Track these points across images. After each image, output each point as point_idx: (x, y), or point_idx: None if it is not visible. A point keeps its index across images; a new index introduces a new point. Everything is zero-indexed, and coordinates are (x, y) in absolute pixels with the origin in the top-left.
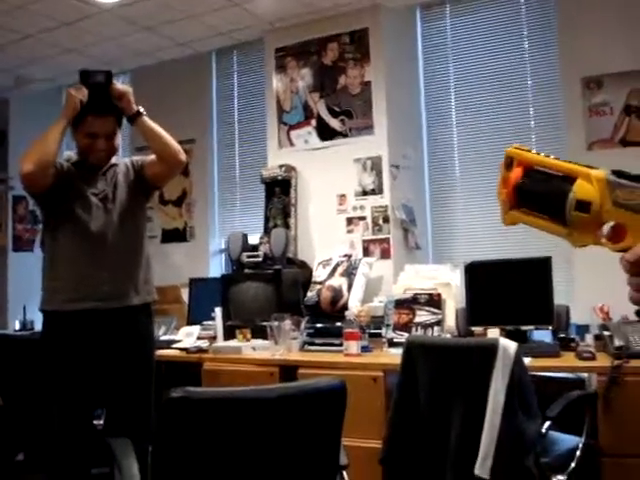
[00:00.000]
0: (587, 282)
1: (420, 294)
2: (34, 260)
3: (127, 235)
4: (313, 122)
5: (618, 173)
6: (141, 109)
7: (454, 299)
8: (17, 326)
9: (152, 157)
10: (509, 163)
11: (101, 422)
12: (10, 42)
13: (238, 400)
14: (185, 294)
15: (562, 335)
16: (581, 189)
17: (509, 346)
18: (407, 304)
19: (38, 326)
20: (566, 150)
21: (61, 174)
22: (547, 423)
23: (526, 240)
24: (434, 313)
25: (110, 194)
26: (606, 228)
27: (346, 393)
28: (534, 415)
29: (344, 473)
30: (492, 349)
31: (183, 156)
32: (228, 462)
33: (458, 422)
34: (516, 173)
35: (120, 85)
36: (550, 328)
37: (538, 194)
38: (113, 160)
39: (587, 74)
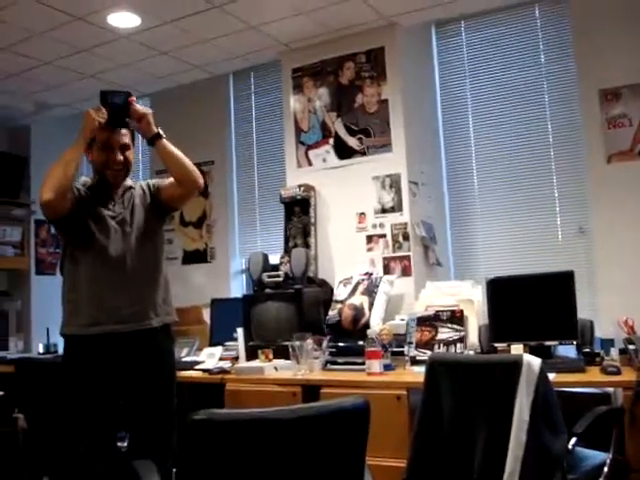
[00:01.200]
0: (611, 296)
1: (442, 311)
2: (57, 283)
3: (145, 258)
4: (331, 141)
5: None
6: (160, 131)
7: (476, 315)
8: (41, 349)
9: (169, 180)
10: None
11: (125, 444)
12: (29, 69)
13: (261, 421)
14: (207, 315)
15: (587, 350)
16: None
17: (533, 362)
18: (429, 321)
19: (61, 349)
20: (585, 163)
21: (78, 199)
22: (574, 439)
23: (547, 255)
24: (456, 330)
25: (128, 217)
26: None
27: (369, 412)
28: (560, 431)
29: None
30: (516, 365)
31: (201, 180)
32: None
33: (483, 440)
34: None
35: (140, 106)
36: (574, 343)
37: None
38: (129, 182)
39: (604, 86)
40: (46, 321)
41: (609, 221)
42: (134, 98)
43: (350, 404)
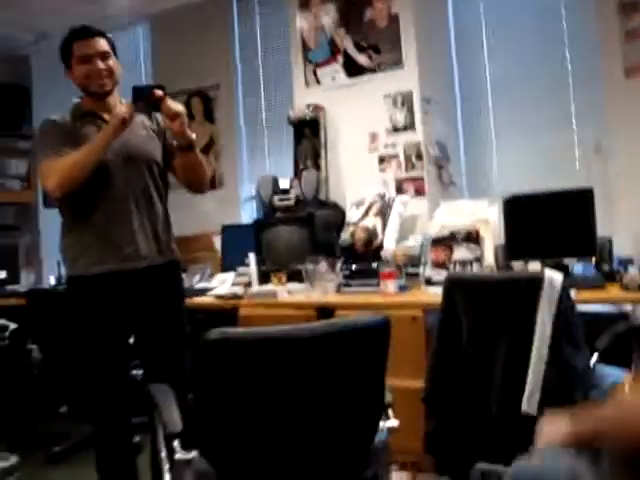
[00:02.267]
0: (629, 213)
1: (457, 231)
2: None
3: (148, 192)
4: (340, 59)
5: None
6: (194, 136)
7: (492, 235)
8: (52, 281)
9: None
10: None
11: (140, 372)
12: None
13: (278, 340)
14: (218, 242)
15: (605, 268)
16: None
17: (555, 277)
18: (444, 242)
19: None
20: (602, 79)
21: (72, 132)
22: (595, 356)
23: (563, 173)
24: (472, 250)
25: (127, 142)
26: None
27: (390, 329)
28: (582, 348)
29: (389, 411)
30: (537, 281)
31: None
32: (270, 404)
33: (502, 358)
34: None
35: (174, 103)
36: (593, 260)
37: None
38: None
39: None
40: (56, 254)
41: (627, 138)
42: (161, 93)
43: (370, 321)
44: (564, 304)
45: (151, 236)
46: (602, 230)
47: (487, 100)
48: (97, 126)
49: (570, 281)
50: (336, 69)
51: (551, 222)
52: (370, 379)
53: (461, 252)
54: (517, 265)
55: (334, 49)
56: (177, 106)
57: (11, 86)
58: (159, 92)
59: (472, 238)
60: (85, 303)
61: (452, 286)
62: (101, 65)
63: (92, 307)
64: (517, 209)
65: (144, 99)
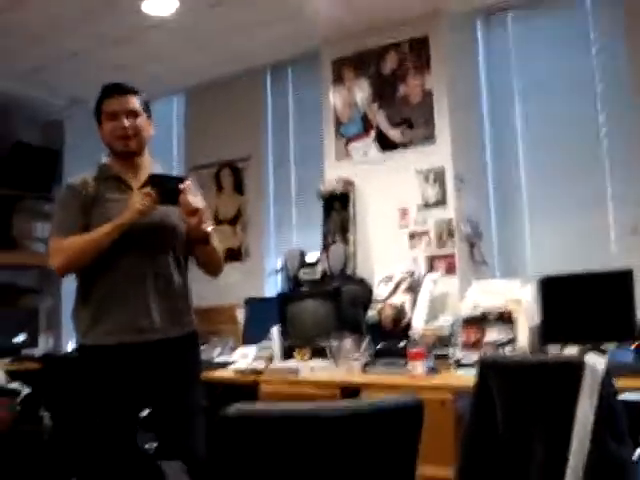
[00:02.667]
0: None
1: (489, 311)
2: None
3: (170, 261)
4: (372, 133)
5: None
6: (210, 229)
7: (526, 316)
8: (70, 347)
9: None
10: None
11: (153, 446)
12: (61, 61)
13: (303, 418)
14: (241, 314)
15: None
16: None
17: (597, 362)
18: (475, 322)
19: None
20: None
21: (92, 198)
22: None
23: (598, 254)
24: (505, 331)
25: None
26: None
27: (422, 411)
28: (625, 442)
29: None
30: (578, 366)
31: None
32: None
33: (540, 449)
34: None
35: (195, 198)
36: (633, 346)
37: None
38: (158, 169)
39: None
40: None
41: None
42: (188, 184)
43: (402, 401)
44: (607, 392)
45: (168, 308)
46: None
47: (520, 178)
48: (120, 191)
49: (609, 367)
50: (368, 144)
51: (589, 304)
52: (400, 465)
53: (493, 333)
54: (552, 349)
55: (367, 124)
56: (197, 202)
57: (42, 149)
58: (183, 185)
59: (505, 319)
60: (96, 373)
61: (486, 369)
62: (126, 123)
63: (104, 378)
64: (553, 290)
65: (167, 191)
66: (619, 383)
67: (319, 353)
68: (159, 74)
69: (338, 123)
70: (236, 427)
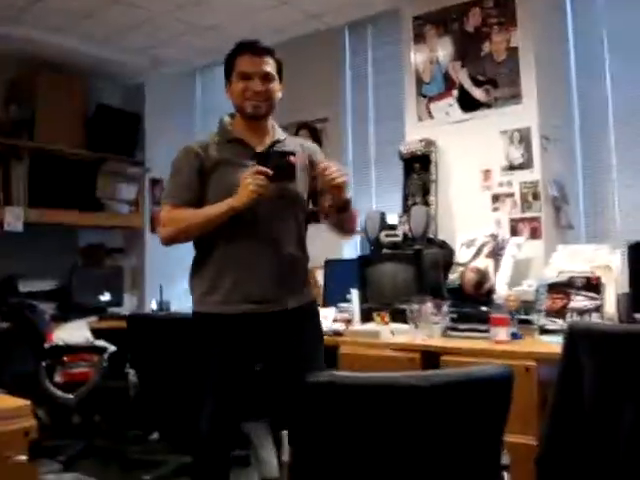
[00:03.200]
0: None
1: (576, 277)
2: None
3: (290, 231)
4: (455, 93)
5: None
6: (350, 196)
7: (615, 283)
8: (154, 306)
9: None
10: None
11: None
12: (144, 21)
13: (390, 387)
14: (320, 276)
15: None
16: None
17: None
18: (561, 288)
19: (175, 307)
20: None
21: (211, 164)
22: None
23: None
24: (592, 298)
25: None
26: None
27: (513, 383)
28: None
29: (505, 475)
30: None
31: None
32: (377, 457)
33: (630, 422)
34: None
35: (338, 172)
36: None
37: None
38: (279, 133)
39: None
40: (160, 278)
41: None
42: (301, 155)
43: (495, 372)
44: None
45: (287, 279)
46: None
47: (610, 138)
48: (243, 155)
49: None
50: (450, 103)
51: None
52: (488, 437)
53: (579, 300)
54: None
55: (449, 83)
56: (340, 176)
57: (125, 113)
58: (295, 159)
59: (592, 286)
60: (211, 342)
61: (575, 337)
62: (260, 86)
63: (218, 346)
64: None
65: (280, 167)
66: None
67: (399, 316)
68: (242, 34)
69: (419, 82)
70: (325, 394)
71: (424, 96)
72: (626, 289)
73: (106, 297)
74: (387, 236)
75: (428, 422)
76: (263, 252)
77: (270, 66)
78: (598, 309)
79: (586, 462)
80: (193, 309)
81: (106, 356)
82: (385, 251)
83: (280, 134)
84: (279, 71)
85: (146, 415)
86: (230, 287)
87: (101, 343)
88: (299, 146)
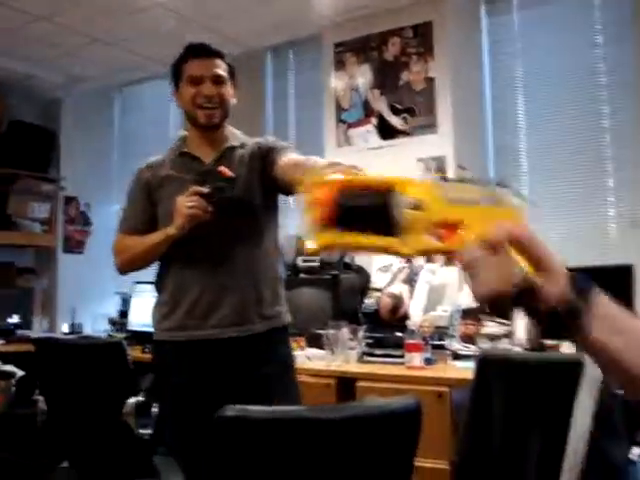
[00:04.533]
0: None
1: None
2: (84, 261)
3: (247, 245)
4: (373, 120)
5: (443, 178)
6: None
7: None
8: (65, 329)
9: (292, 157)
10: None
11: (148, 432)
12: (62, 38)
13: (299, 420)
14: None
15: None
16: (411, 191)
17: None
18: (474, 314)
19: (88, 330)
20: None
21: (162, 180)
22: (636, 449)
23: (599, 249)
24: (503, 324)
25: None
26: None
27: (421, 414)
28: (621, 440)
29: None
30: (578, 365)
31: None
32: None
33: (536, 446)
34: (328, 193)
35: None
36: None
37: (359, 208)
38: (236, 139)
39: None
40: (72, 300)
41: None
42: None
43: (402, 405)
44: (606, 391)
45: (243, 300)
46: None
47: (522, 171)
48: (191, 169)
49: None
50: (369, 130)
51: None
52: (396, 468)
53: (491, 326)
54: (550, 344)
55: (368, 110)
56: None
57: (39, 129)
58: (226, 171)
59: (510, 315)
60: (167, 370)
61: (486, 363)
62: (212, 91)
63: (174, 375)
64: None
65: (218, 189)
66: None
67: (315, 341)
68: (155, 54)
69: (339, 109)
70: (233, 429)
71: (343, 122)
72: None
73: (14, 319)
74: (305, 261)
75: (336, 454)
76: (217, 273)
77: (221, 69)
78: (508, 335)
79: None
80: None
81: (14, 381)
82: (302, 276)
83: (237, 140)
84: (231, 76)
85: (55, 443)
86: (181, 313)
87: (8, 368)
88: (256, 144)
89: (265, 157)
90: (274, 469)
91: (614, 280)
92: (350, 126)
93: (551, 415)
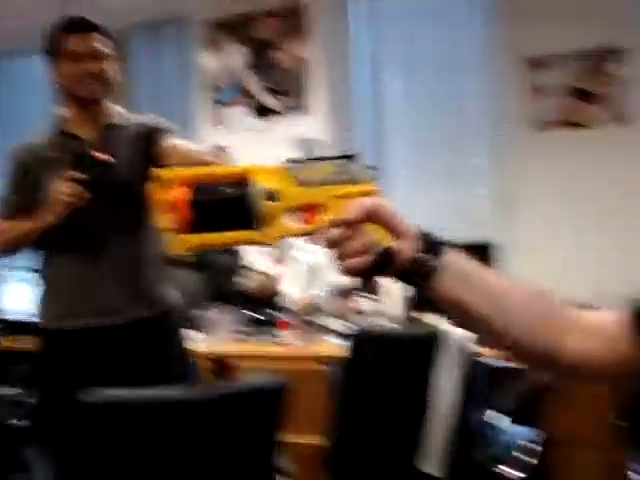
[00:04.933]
0: (531, 265)
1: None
2: None
3: (129, 229)
4: (247, 100)
5: (293, 161)
6: None
7: (397, 286)
8: None
9: (174, 142)
10: (167, 185)
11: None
12: None
13: (161, 403)
14: None
15: None
16: (262, 180)
17: (457, 333)
18: (349, 292)
19: None
20: (512, 133)
21: (44, 164)
22: (495, 413)
23: (469, 225)
24: (377, 301)
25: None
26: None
27: (286, 394)
28: (482, 406)
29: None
30: (440, 337)
31: None
32: (148, 470)
33: (407, 416)
34: (183, 192)
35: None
36: None
37: (216, 205)
38: (118, 117)
39: (533, 54)
40: None
41: (533, 190)
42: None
43: (263, 385)
44: (466, 360)
45: (133, 282)
46: None
47: (391, 150)
48: (70, 149)
49: (474, 335)
50: (243, 111)
51: None
52: (259, 446)
53: (365, 303)
54: (420, 316)
55: (242, 90)
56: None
57: None
58: (102, 155)
59: (376, 289)
60: (54, 361)
61: (360, 339)
62: (93, 67)
63: (66, 364)
64: None
65: (97, 174)
66: (485, 350)
67: (190, 324)
68: (23, 29)
69: (214, 88)
70: (94, 412)
71: (218, 102)
72: (407, 291)
73: None
74: None
75: (197, 434)
76: (98, 260)
77: (102, 43)
78: (383, 311)
79: (372, 454)
80: (38, 323)
81: None
82: (173, 257)
83: (120, 118)
84: (115, 49)
85: None
86: (67, 297)
87: None
88: (141, 126)
89: (149, 138)
90: (135, 451)
91: (476, 255)
92: (224, 106)
93: (420, 385)
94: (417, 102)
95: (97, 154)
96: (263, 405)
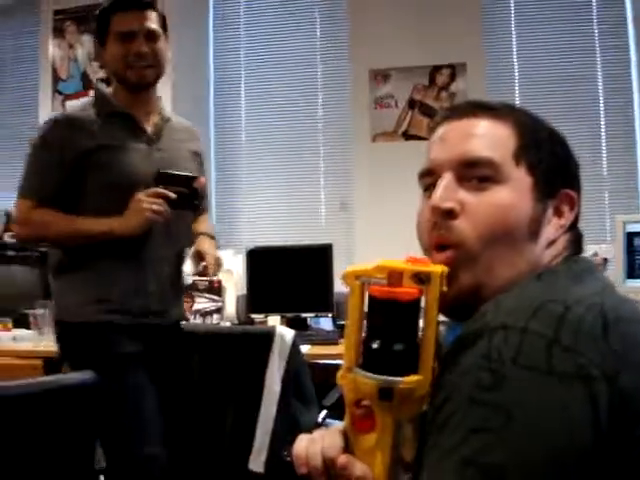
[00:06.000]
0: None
1: (199, 281)
2: None
3: (182, 231)
4: (92, 93)
5: None
6: None
7: (235, 286)
8: None
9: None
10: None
11: None
12: None
13: None
14: None
15: (342, 322)
16: None
17: (286, 334)
18: (188, 291)
19: None
20: (353, 141)
21: (94, 149)
22: (324, 412)
23: (310, 228)
24: (214, 300)
25: (166, 156)
26: None
27: (101, 388)
28: (310, 404)
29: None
30: (268, 337)
31: None
32: None
33: (232, 414)
34: None
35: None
36: (330, 315)
37: None
38: (165, 109)
39: (375, 66)
40: None
41: (370, 197)
42: (202, 181)
43: (77, 380)
44: (294, 360)
45: (175, 286)
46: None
47: (241, 152)
48: (130, 130)
49: (306, 336)
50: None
51: (292, 276)
52: (78, 444)
53: (202, 302)
54: (258, 318)
55: (87, 83)
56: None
57: None
58: (198, 185)
59: (214, 288)
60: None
61: (192, 338)
62: (144, 48)
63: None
64: (260, 261)
65: (183, 198)
66: (315, 351)
67: (23, 322)
68: None
69: (56, 79)
70: None
71: (60, 93)
72: (245, 291)
73: None
74: (12, 237)
75: (10, 431)
76: (154, 260)
77: (154, 22)
78: (219, 310)
79: (198, 452)
80: (61, 318)
81: None
82: (10, 253)
83: (166, 110)
84: (164, 28)
85: None
86: (122, 297)
87: None
88: (186, 132)
89: (199, 170)
90: None
91: (317, 258)
92: (67, 97)
93: (246, 383)
94: (269, 102)
95: (194, 181)
96: (77, 399)
